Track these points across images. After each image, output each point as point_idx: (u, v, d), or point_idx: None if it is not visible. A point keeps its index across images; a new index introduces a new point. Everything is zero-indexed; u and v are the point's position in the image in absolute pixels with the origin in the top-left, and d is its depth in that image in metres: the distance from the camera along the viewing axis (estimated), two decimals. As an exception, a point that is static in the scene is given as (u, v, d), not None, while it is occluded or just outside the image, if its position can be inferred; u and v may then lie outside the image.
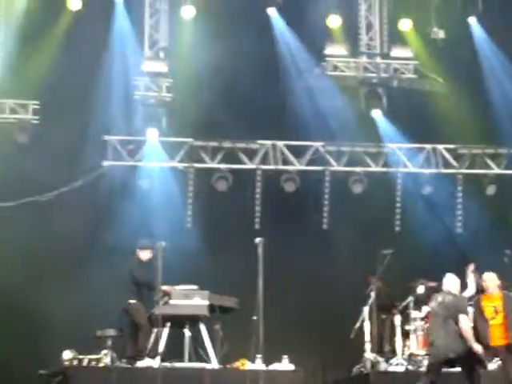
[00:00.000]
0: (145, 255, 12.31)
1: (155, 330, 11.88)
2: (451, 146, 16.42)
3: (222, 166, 15.78)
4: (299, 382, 11.92)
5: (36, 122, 14.98)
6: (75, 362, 11.83)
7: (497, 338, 11.03)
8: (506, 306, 11.09)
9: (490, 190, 16.30)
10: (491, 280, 11.29)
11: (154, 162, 15.54)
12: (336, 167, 16.16)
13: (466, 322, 10.47)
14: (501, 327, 11.06)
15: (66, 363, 11.84)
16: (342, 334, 13.28)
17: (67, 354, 11.95)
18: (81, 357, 11.92)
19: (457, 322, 10.43)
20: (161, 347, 11.74)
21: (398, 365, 12.78)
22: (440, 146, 16.41)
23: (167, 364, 11.67)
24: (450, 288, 10.89)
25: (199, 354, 11.92)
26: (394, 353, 13.15)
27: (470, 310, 11.26)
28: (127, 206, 14.80)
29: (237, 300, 12.34)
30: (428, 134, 16.13)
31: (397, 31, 16.03)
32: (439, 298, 10.84)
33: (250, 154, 16.00)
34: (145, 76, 15.27)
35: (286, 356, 12.26)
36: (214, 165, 15.79)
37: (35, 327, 13.84)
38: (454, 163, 16.42)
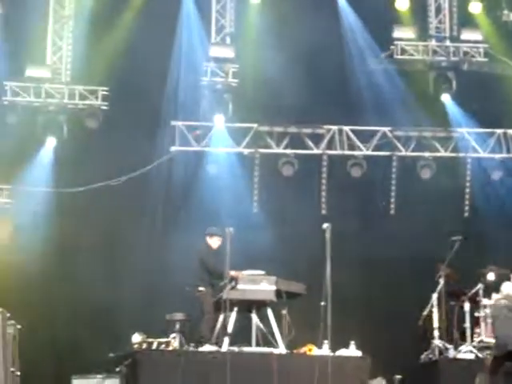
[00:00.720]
0: (214, 243, 12.39)
1: (222, 314, 11.95)
2: (519, 131, 16.13)
3: (288, 151, 15.76)
4: (366, 368, 11.84)
5: (105, 107, 15.16)
6: (144, 346, 11.99)
7: None
8: None
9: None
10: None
11: (221, 148, 15.60)
12: (404, 152, 16.01)
13: None
14: None
15: (136, 346, 12.01)
16: (409, 321, 13.21)
17: (136, 338, 12.13)
18: (150, 340, 12.08)
19: None
20: (228, 331, 11.79)
21: (467, 352, 12.63)
22: (511, 131, 16.11)
23: (235, 348, 11.73)
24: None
25: (267, 338, 11.95)
26: (463, 340, 13.01)
27: None
28: (195, 190, 14.92)
29: (304, 286, 12.32)
30: (498, 118, 15.85)
31: (467, 14, 15.75)
32: (506, 288, 10.67)
33: (316, 139, 15.94)
34: (211, 62, 15.32)
35: (353, 342, 12.23)
36: (280, 150, 15.79)
37: (106, 311, 14.05)
38: (528, 150, 16.14)
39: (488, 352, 12.10)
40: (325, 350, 11.66)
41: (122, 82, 14.90)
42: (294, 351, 12.03)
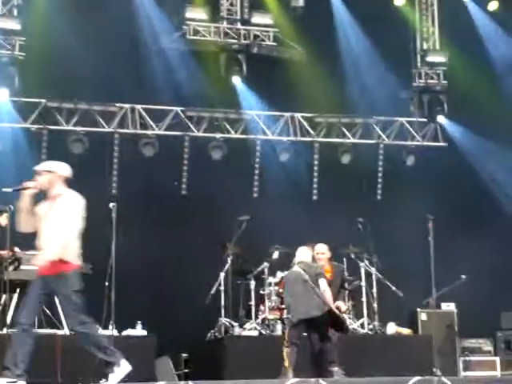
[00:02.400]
0: (3, 220, 11.88)
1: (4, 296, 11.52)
2: (308, 115, 16.66)
3: (78, 128, 15.40)
4: (152, 347, 11.89)
5: None
6: None
7: None
8: (333, 276, 11.36)
9: (345, 158, 16.67)
10: (323, 253, 11.49)
11: (5, 123, 14.97)
12: (196, 133, 16.10)
13: (325, 285, 10.67)
14: None
15: None
16: (197, 300, 13.32)
17: None
18: None
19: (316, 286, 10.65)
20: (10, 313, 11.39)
21: (251, 329, 12.93)
22: (298, 115, 16.62)
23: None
24: (304, 258, 11.09)
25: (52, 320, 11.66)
26: (248, 317, 13.30)
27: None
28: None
29: (90, 265, 12.09)
30: (287, 102, 16.29)
31: (257, -3, 16.05)
32: (297, 264, 11.02)
33: (108, 117, 15.70)
34: (-3, 33, 14.68)
35: (139, 322, 12.19)
36: (69, 127, 15.40)
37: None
38: (311, 131, 16.68)
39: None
40: (110, 330, 11.52)
41: None
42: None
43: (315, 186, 16.64)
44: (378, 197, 16.87)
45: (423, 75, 16.96)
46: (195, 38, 15.67)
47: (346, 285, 12.05)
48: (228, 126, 16.23)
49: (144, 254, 14.62)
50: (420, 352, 12.29)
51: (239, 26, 15.86)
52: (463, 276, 13.72)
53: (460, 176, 16.51)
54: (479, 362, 14.25)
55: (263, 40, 15.89)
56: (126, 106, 15.79)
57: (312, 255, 11.25)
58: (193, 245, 14.87)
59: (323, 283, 10.69)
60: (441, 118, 16.90)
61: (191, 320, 13.63)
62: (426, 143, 17.12)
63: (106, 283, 10.96)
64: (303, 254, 11.10)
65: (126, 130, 15.78)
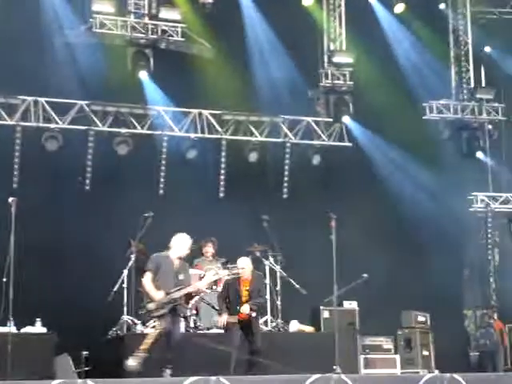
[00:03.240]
0: None
1: None
2: (216, 112, 16.61)
3: (-22, 120, 15.01)
4: (51, 344, 11.66)
5: None
6: None
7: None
8: (253, 283, 11.50)
9: (252, 156, 16.69)
10: (247, 265, 11.57)
11: None
12: (101, 127, 15.85)
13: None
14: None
15: None
16: (100, 297, 13.11)
17: None
18: None
19: None
20: None
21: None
22: (205, 112, 16.55)
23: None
24: None
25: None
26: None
27: None
28: None
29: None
30: (194, 98, 16.20)
31: (166, -8, 15.92)
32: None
33: (10, 110, 15.30)
34: None
35: (38, 319, 11.94)
36: (-31, 119, 14.99)
37: None
38: (219, 128, 16.64)
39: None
40: (8, 328, 11.23)
41: None
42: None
43: (222, 183, 16.61)
44: (285, 195, 16.95)
45: (330, 75, 17.11)
46: (102, 31, 15.42)
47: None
48: (134, 122, 16.03)
49: (45, 251, 14.31)
50: (322, 349, 12.37)
51: (147, 20, 15.68)
52: (365, 275, 13.89)
53: (364, 176, 16.75)
54: (380, 359, 14.46)
55: (171, 35, 15.75)
56: (29, 98, 15.44)
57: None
58: (95, 241, 14.62)
59: None
60: (346, 119, 17.09)
61: (93, 317, 13.41)
62: (331, 143, 17.28)
63: (4, 279, 10.74)
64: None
65: (28, 123, 15.43)
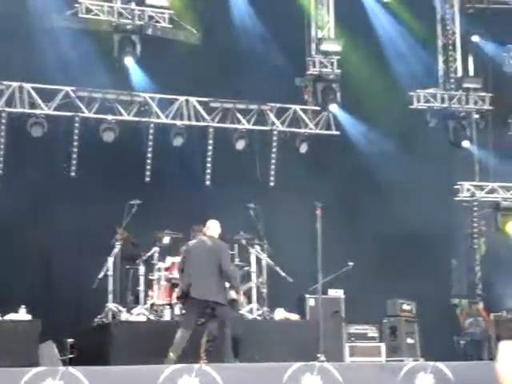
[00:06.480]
0: None
1: None
2: (203, 99, 16.54)
3: (-37, 106, 14.88)
4: (36, 331, 11.59)
5: None
6: None
7: None
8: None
9: (240, 144, 16.63)
10: (213, 227, 11.46)
11: None
12: (87, 114, 15.75)
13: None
14: None
15: None
16: (85, 285, 13.06)
17: None
18: None
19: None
20: None
21: (139, 314, 12.75)
22: (192, 99, 16.47)
23: None
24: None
25: None
26: (136, 303, 13.11)
27: None
28: None
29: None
30: (181, 85, 16.11)
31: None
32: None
33: (-5, 96, 15.22)
34: None
35: (23, 306, 11.88)
36: (-46, 104, 14.86)
37: None
38: (206, 116, 16.57)
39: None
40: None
41: None
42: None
43: (208, 171, 16.54)
44: (271, 183, 16.91)
45: (317, 64, 17.05)
46: (88, 16, 15.31)
47: None
48: (120, 108, 15.94)
49: (30, 238, 14.25)
50: (307, 338, 12.37)
51: (133, 6, 15.56)
52: (350, 263, 13.89)
53: (351, 164, 16.73)
54: (365, 347, 14.48)
55: (158, 21, 15.65)
56: (15, 84, 15.32)
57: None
58: (81, 228, 14.59)
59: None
60: (333, 107, 17.04)
61: (78, 305, 13.40)
62: (319, 131, 17.24)
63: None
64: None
65: (13, 109, 15.32)
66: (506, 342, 4.68)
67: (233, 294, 11.69)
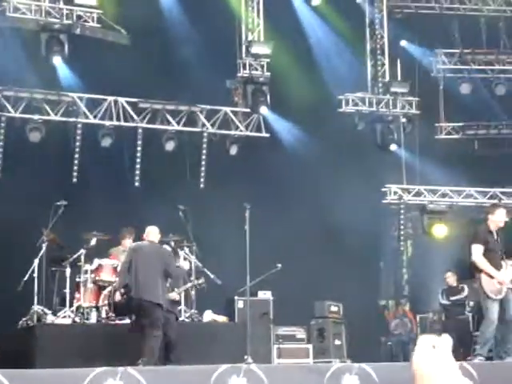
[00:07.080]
0: None
1: None
2: (133, 100, 16.43)
3: None
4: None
5: None
6: None
7: None
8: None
9: (169, 145, 16.57)
10: (153, 233, 11.47)
11: None
12: (13, 114, 15.50)
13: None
14: None
15: None
16: (10, 287, 12.83)
17: None
18: None
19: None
20: None
21: (65, 317, 12.58)
22: (121, 99, 16.35)
23: None
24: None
25: None
26: (62, 305, 12.93)
27: None
28: None
29: None
30: (110, 85, 15.98)
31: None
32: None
33: None
34: None
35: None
36: None
37: None
38: (135, 117, 16.46)
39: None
40: None
41: None
42: None
43: (137, 172, 16.43)
44: (201, 185, 16.89)
45: (248, 66, 17.10)
46: (15, 15, 15.07)
47: None
48: (47, 108, 15.72)
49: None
50: (234, 340, 12.36)
51: (62, 5, 15.37)
52: (278, 265, 13.95)
53: (281, 166, 16.82)
54: (293, 349, 14.55)
55: (86, 21, 15.50)
56: None
57: None
58: (6, 229, 14.32)
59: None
60: (264, 109, 17.11)
61: (2, 307, 13.13)
62: (249, 133, 17.29)
63: None
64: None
65: None
66: (425, 336, 4.73)
67: (174, 296, 11.72)
